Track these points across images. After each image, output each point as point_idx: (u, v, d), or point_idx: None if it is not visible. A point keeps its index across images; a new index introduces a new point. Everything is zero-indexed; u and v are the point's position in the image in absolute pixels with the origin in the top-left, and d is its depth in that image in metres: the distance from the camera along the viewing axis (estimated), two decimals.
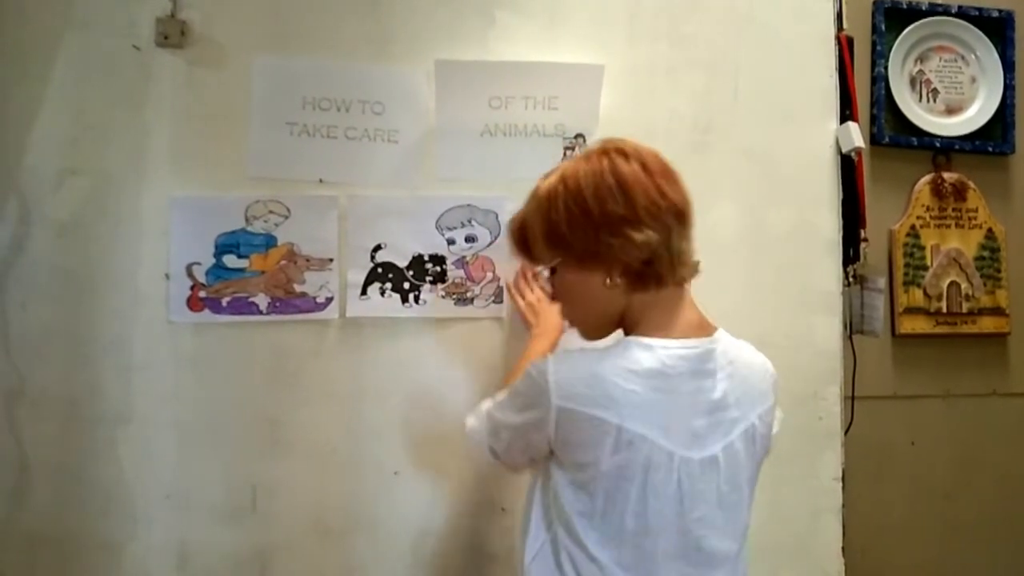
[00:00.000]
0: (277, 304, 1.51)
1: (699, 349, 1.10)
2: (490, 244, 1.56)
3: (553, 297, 1.19)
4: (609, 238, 1.06)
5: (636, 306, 1.11)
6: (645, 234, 1.06)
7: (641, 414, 1.04)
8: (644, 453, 1.04)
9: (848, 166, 1.66)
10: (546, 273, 1.17)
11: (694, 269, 1.14)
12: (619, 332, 1.15)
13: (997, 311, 2.25)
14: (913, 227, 2.22)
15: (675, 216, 1.09)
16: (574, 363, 1.08)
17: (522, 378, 1.11)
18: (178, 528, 1.48)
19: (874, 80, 2.19)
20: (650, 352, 1.07)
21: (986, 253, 2.26)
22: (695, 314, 1.15)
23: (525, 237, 1.15)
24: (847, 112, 1.67)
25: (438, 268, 1.55)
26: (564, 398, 1.05)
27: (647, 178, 1.08)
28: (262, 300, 1.51)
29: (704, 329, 1.13)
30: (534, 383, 1.08)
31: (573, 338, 1.23)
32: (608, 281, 1.08)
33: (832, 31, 1.67)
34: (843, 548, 1.61)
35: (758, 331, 1.60)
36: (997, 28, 2.26)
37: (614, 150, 1.10)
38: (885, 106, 2.19)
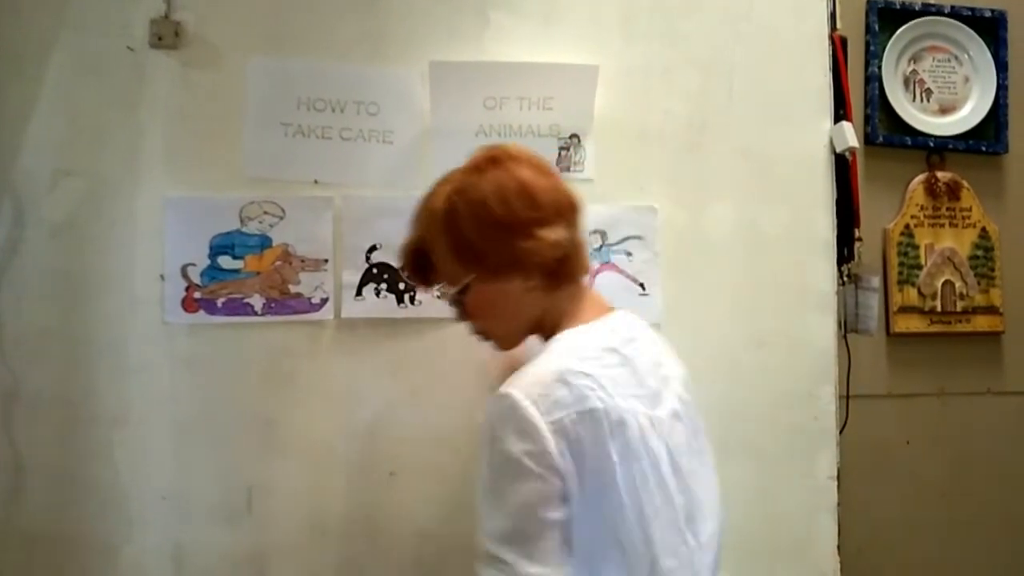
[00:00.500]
0: (272, 305, 1.51)
1: (617, 320, 1.13)
2: None
3: (464, 316, 1.15)
4: (523, 242, 1.06)
5: (554, 305, 1.12)
6: (556, 232, 1.07)
7: (615, 391, 1.03)
8: (635, 426, 1.03)
9: (842, 166, 1.66)
10: (443, 294, 1.13)
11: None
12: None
13: (991, 310, 2.26)
14: (907, 226, 2.23)
15: (574, 211, 1.12)
16: (531, 377, 1.02)
17: (491, 441, 1.00)
18: (174, 529, 1.48)
19: (868, 80, 2.20)
20: (588, 336, 1.08)
21: (980, 252, 2.26)
22: (597, 297, 1.17)
23: (425, 261, 1.13)
24: (841, 112, 1.67)
25: None
26: (550, 411, 0.99)
27: (544, 178, 1.10)
28: (257, 301, 1.51)
29: (606, 306, 1.16)
30: (507, 420, 0.99)
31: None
32: (527, 285, 1.08)
33: (826, 31, 1.67)
34: (839, 547, 1.61)
35: (752, 330, 1.62)
36: (990, 28, 2.27)
37: (504, 156, 1.10)
38: (879, 106, 2.20)
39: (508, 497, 0.98)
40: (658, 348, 1.17)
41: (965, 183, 2.26)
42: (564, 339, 1.08)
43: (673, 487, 1.05)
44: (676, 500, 1.05)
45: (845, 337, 1.74)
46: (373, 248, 1.54)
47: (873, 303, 1.79)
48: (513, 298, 1.10)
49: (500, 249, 1.07)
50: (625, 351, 1.09)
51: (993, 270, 2.27)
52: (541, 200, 1.08)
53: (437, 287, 1.17)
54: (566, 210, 1.11)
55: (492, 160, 1.10)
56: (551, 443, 0.98)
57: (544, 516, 0.97)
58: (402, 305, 1.54)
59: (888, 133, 2.21)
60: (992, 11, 2.27)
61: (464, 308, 1.14)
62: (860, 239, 1.71)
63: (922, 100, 2.25)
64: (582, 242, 1.14)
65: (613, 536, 1.01)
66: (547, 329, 1.13)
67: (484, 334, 1.18)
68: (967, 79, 2.27)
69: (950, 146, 2.24)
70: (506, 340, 1.17)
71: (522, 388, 1.00)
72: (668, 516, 1.04)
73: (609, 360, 1.06)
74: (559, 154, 1.57)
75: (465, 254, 1.08)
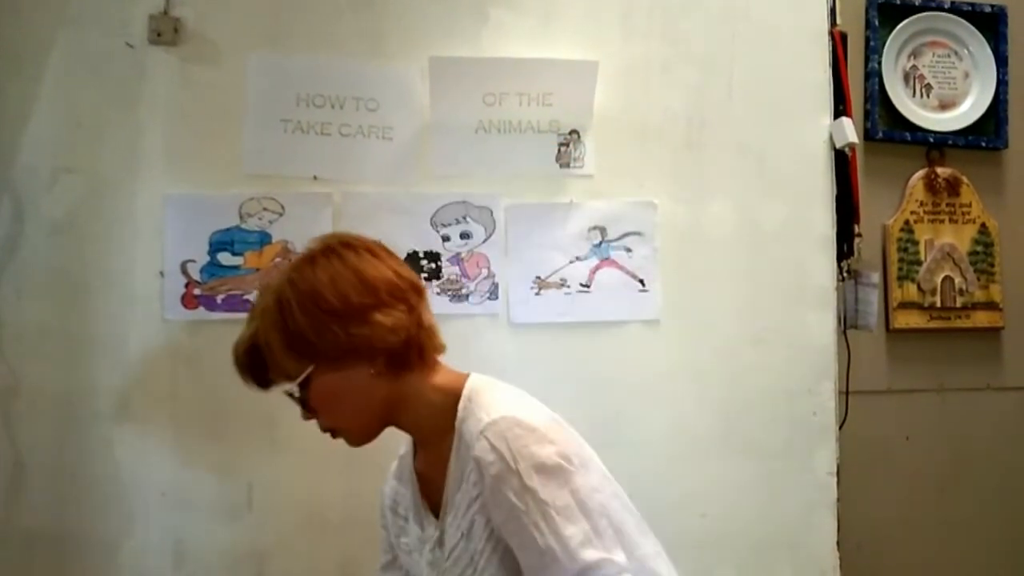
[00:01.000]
0: None
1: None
2: (485, 240, 1.56)
3: (310, 411, 1.10)
4: (358, 328, 1.04)
5: (415, 385, 1.09)
6: (394, 316, 1.05)
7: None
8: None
9: (842, 161, 1.66)
10: (292, 390, 1.08)
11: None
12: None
13: (991, 305, 2.26)
14: (907, 222, 2.23)
15: (416, 292, 1.10)
16: (495, 399, 1.05)
17: (516, 474, 0.97)
18: (174, 526, 1.48)
19: (868, 75, 2.19)
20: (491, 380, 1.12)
21: (980, 248, 2.26)
22: (453, 371, 1.14)
23: (260, 359, 1.09)
24: (841, 108, 1.67)
25: (433, 265, 1.55)
26: (535, 416, 1.04)
27: (380, 263, 1.08)
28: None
29: (463, 376, 1.13)
30: (526, 432, 0.99)
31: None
32: (372, 371, 1.06)
33: (825, 27, 1.66)
34: (838, 543, 1.61)
35: (752, 327, 1.62)
36: (990, 23, 2.26)
37: (339, 244, 1.09)
38: (879, 101, 2.20)
39: (571, 499, 0.96)
40: None
41: (965, 179, 2.25)
42: (474, 383, 1.09)
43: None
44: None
45: (845, 333, 1.74)
46: None
47: (873, 299, 1.79)
48: (359, 387, 1.07)
49: (335, 338, 1.03)
50: None
51: (993, 266, 2.27)
52: (376, 285, 1.06)
53: (276, 386, 1.12)
54: (405, 293, 1.08)
55: (325, 250, 1.09)
56: (561, 438, 1.01)
57: (599, 503, 0.99)
58: None
59: (888, 129, 2.21)
60: (992, 6, 2.26)
61: (309, 403, 1.09)
62: (860, 235, 1.71)
63: (922, 96, 2.24)
64: (431, 324, 1.11)
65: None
66: (406, 416, 1.11)
67: (334, 430, 1.12)
68: (967, 74, 2.27)
69: (950, 142, 2.24)
70: (359, 433, 1.13)
71: (500, 408, 1.02)
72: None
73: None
74: (558, 150, 1.57)
75: (299, 346, 1.05)
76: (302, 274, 1.06)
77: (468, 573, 1.04)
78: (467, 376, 1.11)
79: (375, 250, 1.10)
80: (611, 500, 1.04)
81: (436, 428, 1.08)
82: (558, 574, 0.93)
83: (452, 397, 1.08)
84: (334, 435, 1.13)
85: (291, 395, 1.09)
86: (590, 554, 0.93)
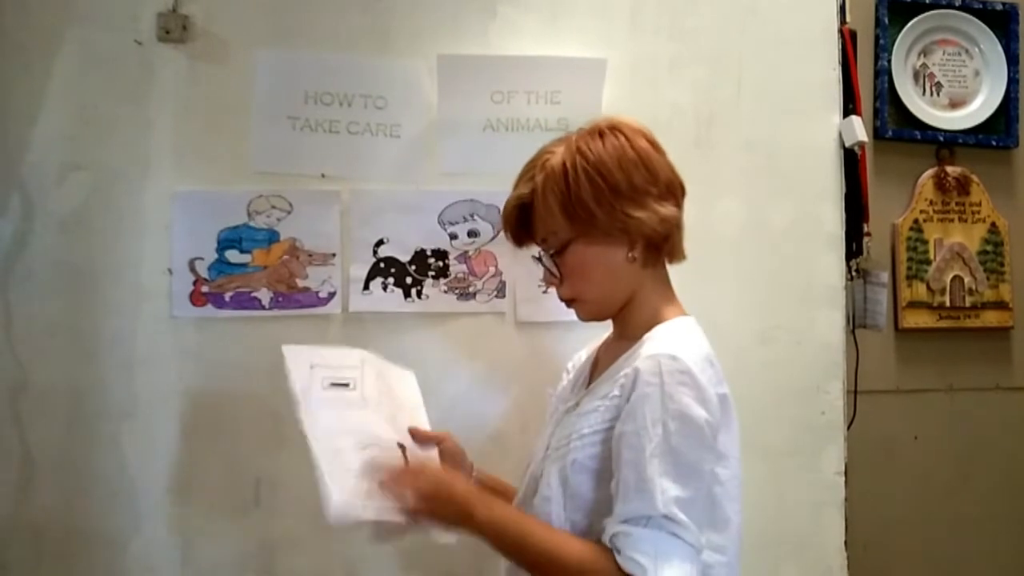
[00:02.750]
0: (280, 299, 1.51)
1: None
2: (493, 239, 1.56)
3: (556, 278, 1.13)
4: (636, 211, 1.07)
5: (649, 285, 1.13)
6: (668, 208, 1.09)
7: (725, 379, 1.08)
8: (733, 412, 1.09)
9: (851, 160, 1.66)
10: (541, 252, 1.13)
11: None
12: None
13: (1000, 305, 2.25)
14: (916, 221, 2.22)
15: (682, 193, 1.14)
16: (686, 348, 1.03)
17: (658, 399, 0.98)
18: (182, 522, 1.49)
19: (877, 74, 2.19)
20: (698, 329, 1.12)
21: (989, 247, 2.25)
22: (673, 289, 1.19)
23: (527, 217, 1.14)
24: (850, 106, 1.66)
25: (440, 263, 1.55)
26: (714, 384, 1.03)
27: (660, 156, 1.11)
28: (264, 295, 1.51)
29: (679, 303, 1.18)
30: (683, 384, 0.98)
31: None
32: (630, 255, 1.09)
33: (835, 24, 1.66)
34: (846, 542, 1.61)
35: (760, 325, 1.61)
36: (1001, 21, 2.25)
37: (624, 126, 1.11)
38: (888, 100, 2.19)
39: (693, 463, 0.97)
40: None
41: (975, 177, 2.25)
42: (686, 325, 1.11)
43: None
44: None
45: (853, 332, 1.74)
46: (380, 242, 1.54)
47: (882, 298, 1.79)
48: (612, 266, 1.10)
49: (612, 213, 1.07)
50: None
51: (1003, 265, 2.26)
52: (658, 174, 1.09)
53: (533, 245, 1.16)
54: (676, 190, 1.12)
55: (612, 128, 1.11)
56: (717, 414, 1.01)
57: (720, 485, 1.03)
58: (409, 299, 1.54)
59: (897, 127, 2.20)
60: (1003, 4, 2.25)
61: (559, 269, 1.12)
62: (869, 234, 1.71)
63: (932, 94, 2.24)
64: (684, 227, 1.15)
65: (725, 511, 1.06)
66: (641, 310, 1.12)
67: (574, 299, 1.15)
68: (977, 73, 2.26)
69: (960, 140, 2.23)
70: (595, 307, 1.15)
71: (691, 356, 1.01)
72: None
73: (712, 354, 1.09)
74: None
75: (576, 213, 1.08)
76: (590, 146, 1.08)
77: (563, 444, 1.08)
78: (682, 314, 1.14)
79: (655, 142, 1.12)
80: (727, 502, 1.06)
81: (635, 329, 1.11)
82: (645, 505, 0.94)
83: (660, 317, 1.11)
84: (569, 304, 1.16)
85: (539, 259, 1.15)
86: (680, 513, 0.94)
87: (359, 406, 1.21)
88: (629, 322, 1.14)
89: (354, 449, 1.12)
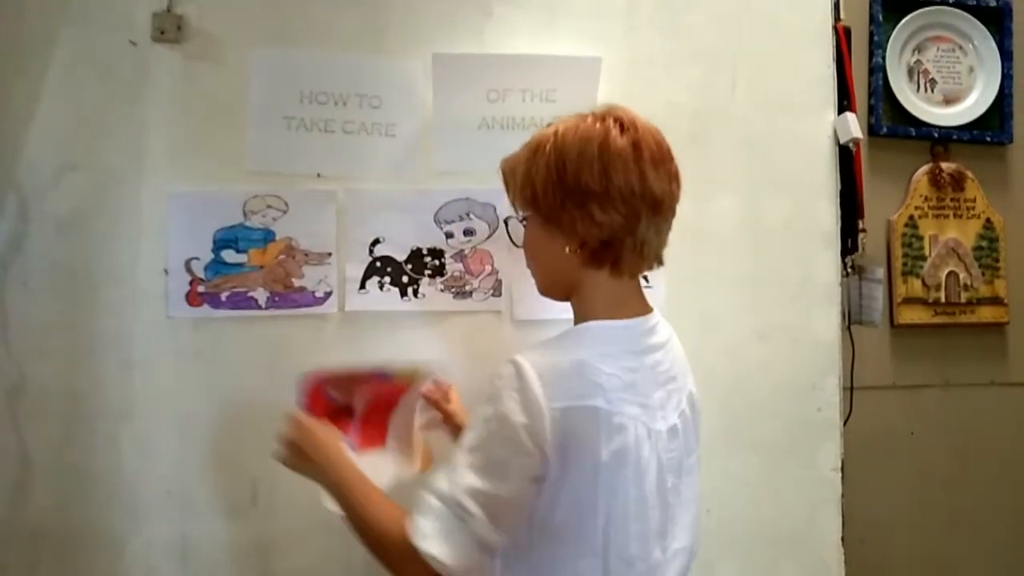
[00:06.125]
0: (276, 299, 1.51)
1: (649, 324, 1.12)
2: (488, 237, 1.56)
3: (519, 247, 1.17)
4: (573, 209, 1.06)
5: (589, 284, 1.11)
6: (608, 215, 1.05)
7: (622, 395, 1.03)
8: (632, 434, 1.03)
9: (846, 157, 1.66)
10: (515, 219, 1.15)
11: (657, 263, 1.14)
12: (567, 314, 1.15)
13: (995, 301, 2.26)
14: (911, 217, 2.23)
15: (649, 205, 1.07)
16: (551, 357, 1.03)
17: (491, 400, 1.02)
18: (180, 523, 1.49)
19: (872, 70, 2.19)
20: (616, 333, 1.08)
21: (984, 243, 2.26)
22: (640, 295, 1.16)
23: (506, 181, 1.17)
24: (845, 103, 1.67)
25: (436, 262, 1.56)
26: (556, 398, 0.99)
27: (633, 160, 1.06)
28: (261, 295, 1.51)
29: (646, 306, 1.15)
30: (514, 390, 1.00)
31: None
32: (567, 250, 1.08)
33: (830, 21, 1.66)
34: (842, 538, 1.62)
35: (756, 322, 1.62)
36: (995, 18, 2.26)
37: (613, 119, 1.08)
38: (883, 96, 2.19)
39: (501, 462, 1.00)
40: (678, 362, 1.17)
41: (969, 174, 2.25)
42: (593, 329, 1.09)
43: (652, 500, 1.06)
44: (652, 513, 1.06)
45: (849, 328, 1.75)
46: (376, 241, 1.54)
47: (877, 294, 1.79)
48: (554, 253, 1.10)
49: (552, 205, 1.07)
50: (645, 359, 1.09)
51: (997, 261, 2.26)
52: (612, 178, 1.04)
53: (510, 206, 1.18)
54: (636, 199, 1.05)
55: (602, 117, 1.09)
56: (548, 427, 0.98)
57: (520, 491, 1.00)
58: (405, 298, 1.54)
59: (892, 124, 2.20)
60: (997, 1, 2.25)
61: (523, 239, 1.15)
62: (864, 230, 1.71)
63: (926, 90, 2.24)
64: (648, 240, 1.09)
65: (576, 531, 1.02)
66: (581, 304, 1.13)
67: (530, 270, 1.18)
68: (971, 69, 2.26)
69: (954, 136, 2.23)
70: (541, 285, 1.17)
71: (537, 366, 1.01)
72: (639, 528, 1.04)
73: (627, 363, 1.06)
74: None
75: (527, 194, 1.10)
76: (567, 130, 1.08)
77: None
78: (616, 317, 1.10)
79: (642, 143, 1.07)
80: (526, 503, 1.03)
81: (575, 323, 1.13)
82: (446, 484, 1.01)
83: (587, 318, 1.10)
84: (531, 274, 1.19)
85: (506, 222, 1.21)
86: (470, 502, 0.99)
87: None
88: (574, 314, 1.15)
89: None
